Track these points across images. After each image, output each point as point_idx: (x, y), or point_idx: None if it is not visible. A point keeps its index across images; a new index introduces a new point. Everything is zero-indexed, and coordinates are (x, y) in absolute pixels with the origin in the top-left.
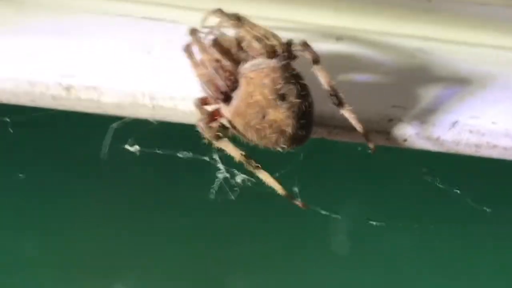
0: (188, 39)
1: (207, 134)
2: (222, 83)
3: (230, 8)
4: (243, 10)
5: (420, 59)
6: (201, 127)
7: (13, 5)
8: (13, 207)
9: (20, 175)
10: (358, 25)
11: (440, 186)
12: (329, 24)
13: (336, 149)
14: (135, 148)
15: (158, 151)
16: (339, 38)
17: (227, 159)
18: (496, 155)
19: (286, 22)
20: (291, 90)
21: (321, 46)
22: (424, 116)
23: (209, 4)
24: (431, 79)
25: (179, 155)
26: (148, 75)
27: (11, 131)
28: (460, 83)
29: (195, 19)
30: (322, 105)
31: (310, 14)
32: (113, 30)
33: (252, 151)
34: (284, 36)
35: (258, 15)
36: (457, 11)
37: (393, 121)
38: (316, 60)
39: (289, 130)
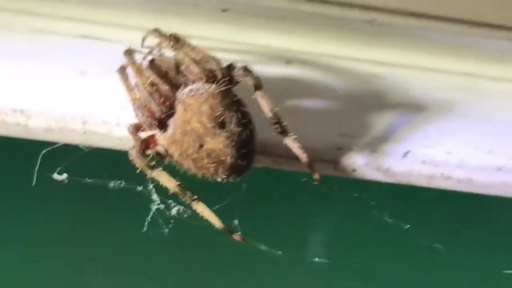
0: (123, 60)
1: (139, 163)
2: (157, 109)
3: (172, 26)
4: (187, 29)
5: (372, 84)
6: (133, 155)
7: None
8: None
9: None
10: (310, 47)
11: (389, 220)
12: (279, 46)
13: (280, 179)
14: (63, 177)
15: (88, 180)
16: (289, 61)
17: (162, 190)
18: (450, 187)
19: (234, 44)
20: (231, 118)
21: (270, 69)
22: (375, 145)
23: (149, 22)
24: (384, 105)
25: (111, 185)
26: (80, 98)
27: None
28: (414, 110)
29: (134, 39)
30: (266, 133)
31: (260, 36)
32: (43, 48)
33: (190, 181)
34: (232, 58)
35: (202, 34)
36: (412, 36)
37: (342, 150)
38: (258, 86)
39: (228, 160)
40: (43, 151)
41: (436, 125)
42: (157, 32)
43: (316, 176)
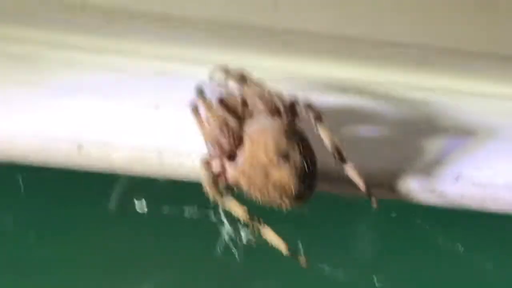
0: (194, 96)
1: (211, 193)
2: (226, 142)
3: (240, 59)
4: (251, 61)
5: (425, 110)
6: (205, 185)
7: (27, 63)
8: None
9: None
10: (364, 76)
11: (444, 244)
12: (336, 75)
13: (341, 203)
14: (143, 204)
15: (165, 209)
16: (345, 89)
17: (233, 217)
18: (500, 209)
19: (292, 73)
20: (294, 150)
21: (326, 98)
22: (428, 168)
23: (218, 56)
24: (435, 130)
25: (186, 213)
26: (156, 131)
27: (22, 189)
28: (464, 134)
29: (203, 73)
30: (327, 160)
31: (316, 65)
32: (123, 85)
33: (257, 207)
34: (290, 87)
35: (263, 65)
36: (460, 63)
37: (396, 174)
38: (318, 119)
39: (292, 189)
40: (123, 181)
41: (486, 148)
42: (224, 68)
43: (374, 202)
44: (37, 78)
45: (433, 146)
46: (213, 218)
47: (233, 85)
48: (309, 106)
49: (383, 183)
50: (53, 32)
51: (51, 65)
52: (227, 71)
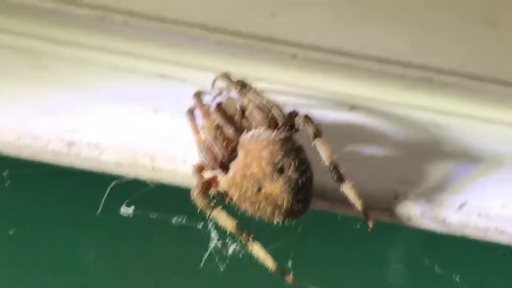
0: (192, 102)
1: (200, 203)
2: (220, 152)
3: (244, 68)
4: (257, 71)
5: (432, 133)
6: (195, 195)
7: (20, 55)
8: None
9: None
10: (374, 95)
11: (439, 271)
12: (345, 92)
13: (336, 223)
14: (130, 210)
15: (152, 215)
16: (353, 107)
17: (221, 228)
18: (504, 241)
19: (300, 87)
20: (290, 164)
21: (333, 114)
22: (432, 194)
23: (222, 64)
24: (442, 155)
25: (173, 220)
26: (152, 135)
27: (7, 185)
28: (472, 161)
29: (207, 80)
30: (324, 177)
31: (326, 80)
32: (122, 85)
33: (247, 221)
34: (298, 102)
35: (271, 78)
36: (472, 87)
37: (398, 198)
38: (317, 134)
39: (284, 204)
40: (112, 184)
41: (493, 177)
42: (226, 76)
43: (371, 224)
44: (29, 72)
45: (438, 171)
46: (200, 227)
47: (234, 95)
48: (308, 119)
49: (383, 205)
50: (50, 27)
51: (48, 60)
52: (229, 79)
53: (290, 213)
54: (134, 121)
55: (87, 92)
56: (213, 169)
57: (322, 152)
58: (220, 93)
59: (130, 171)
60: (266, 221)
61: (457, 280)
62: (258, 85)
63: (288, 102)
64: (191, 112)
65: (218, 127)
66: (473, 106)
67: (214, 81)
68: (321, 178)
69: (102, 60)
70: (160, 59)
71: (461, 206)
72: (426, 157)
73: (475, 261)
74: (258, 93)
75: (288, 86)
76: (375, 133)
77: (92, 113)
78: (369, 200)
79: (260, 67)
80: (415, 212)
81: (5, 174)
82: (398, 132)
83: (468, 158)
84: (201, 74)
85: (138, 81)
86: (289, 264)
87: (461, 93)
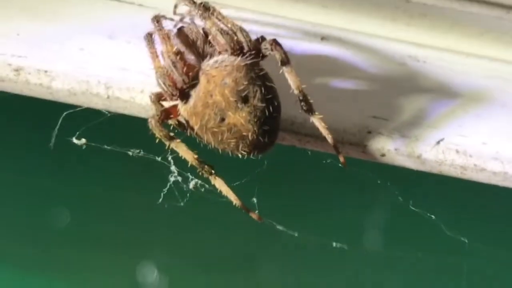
0: (151, 26)
1: (158, 133)
2: (179, 79)
3: None
4: None
5: (410, 66)
6: (153, 124)
7: None
8: None
9: None
10: (347, 24)
11: (413, 208)
12: (315, 21)
13: (305, 159)
14: (82, 141)
15: (107, 147)
16: (324, 37)
17: (182, 162)
18: (483, 180)
19: (268, 16)
20: (255, 92)
21: (304, 45)
22: (407, 130)
23: None
24: (420, 89)
25: (130, 153)
26: (107, 62)
27: None
28: (450, 96)
29: (168, 5)
30: (293, 110)
31: (296, 9)
32: (73, 9)
33: (212, 155)
34: (265, 31)
35: (238, 5)
36: (453, 18)
37: (371, 133)
38: (285, 61)
39: (249, 136)
40: (64, 114)
41: (473, 113)
42: None
43: (341, 158)
44: None
45: (415, 105)
46: (159, 160)
47: (198, 22)
48: (277, 44)
49: (355, 141)
50: None
51: None
52: (191, 2)
53: (255, 146)
54: (88, 47)
55: (37, 16)
56: (172, 97)
57: (290, 80)
58: (181, 19)
59: (83, 100)
60: (230, 154)
61: (433, 218)
62: (223, 12)
63: (254, 32)
64: (149, 36)
65: (178, 52)
66: (451, 39)
67: (176, 5)
68: (290, 110)
69: None
70: None
71: (438, 142)
72: (403, 92)
73: (451, 200)
74: (222, 16)
75: (255, 14)
76: (347, 66)
77: (42, 38)
78: (340, 135)
79: None
80: (389, 148)
81: None
82: (372, 65)
83: (447, 93)
84: None
85: (92, 4)
86: (255, 200)
87: (440, 24)
